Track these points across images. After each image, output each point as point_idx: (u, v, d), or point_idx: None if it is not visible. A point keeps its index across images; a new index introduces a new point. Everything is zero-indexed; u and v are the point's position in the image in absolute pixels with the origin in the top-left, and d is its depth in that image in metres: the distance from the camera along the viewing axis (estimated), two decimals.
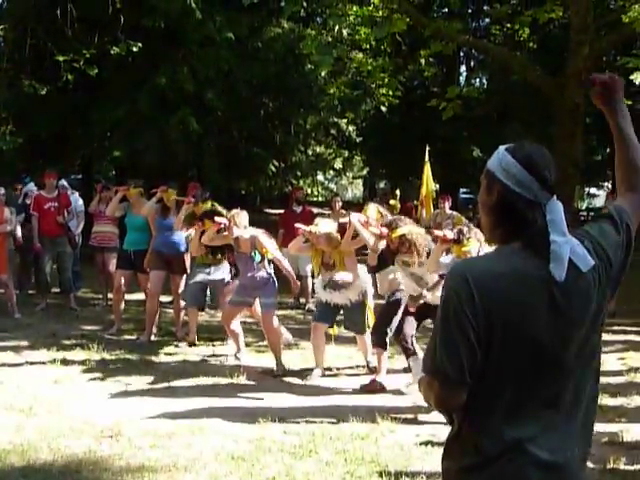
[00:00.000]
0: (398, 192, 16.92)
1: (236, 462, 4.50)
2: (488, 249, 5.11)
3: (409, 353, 6.10)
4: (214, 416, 5.42)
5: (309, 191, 23.83)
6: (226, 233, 6.93)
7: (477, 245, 5.51)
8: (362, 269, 6.68)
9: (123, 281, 8.47)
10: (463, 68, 24.49)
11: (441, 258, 5.78)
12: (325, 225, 6.62)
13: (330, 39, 13.88)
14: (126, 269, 8.52)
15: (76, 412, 5.49)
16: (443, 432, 4.68)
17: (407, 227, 6.02)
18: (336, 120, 18.74)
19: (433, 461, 4.37)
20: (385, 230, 6.09)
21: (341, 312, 6.81)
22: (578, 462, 1.84)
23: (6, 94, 14.76)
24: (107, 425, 5.16)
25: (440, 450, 4.25)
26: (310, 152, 20.16)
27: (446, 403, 1.84)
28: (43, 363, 6.96)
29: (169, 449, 4.71)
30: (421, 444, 4.85)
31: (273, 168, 18.22)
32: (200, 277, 7.76)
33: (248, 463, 4.47)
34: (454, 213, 10.55)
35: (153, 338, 8.11)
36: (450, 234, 5.63)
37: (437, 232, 5.83)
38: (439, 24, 11.27)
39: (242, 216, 6.91)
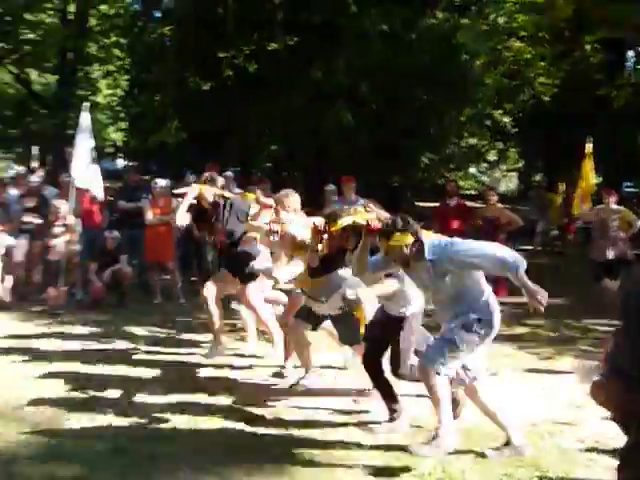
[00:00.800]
0: (564, 186, 15.98)
1: (393, 455, 4.49)
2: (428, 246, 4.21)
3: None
4: (368, 409, 5.46)
5: (462, 184, 23.38)
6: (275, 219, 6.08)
7: (409, 241, 4.22)
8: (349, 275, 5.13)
9: None
10: (631, 53, 22.96)
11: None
12: (295, 227, 5.55)
13: (486, 28, 13.52)
14: None
15: (245, 392, 5.70)
16: (608, 439, 4.45)
17: (352, 217, 4.78)
18: (491, 111, 18.29)
19: (599, 469, 4.15)
20: (320, 222, 5.14)
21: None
22: None
23: (174, 92, 15.64)
24: (266, 411, 5.33)
25: (607, 458, 3.98)
26: (463, 144, 19.80)
27: (626, 405, 1.73)
28: (205, 347, 7.29)
29: (325, 436, 4.79)
30: (586, 450, 4.59)
31: (426, 160, 18.06)
32: None
33: (405, 457, 4.45)
34: (621, 208, 9.83)
35: None
36: (377, 224, 4.39)
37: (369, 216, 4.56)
38: (606, 8, 10.66)
39: (292, 198, 6.12)
